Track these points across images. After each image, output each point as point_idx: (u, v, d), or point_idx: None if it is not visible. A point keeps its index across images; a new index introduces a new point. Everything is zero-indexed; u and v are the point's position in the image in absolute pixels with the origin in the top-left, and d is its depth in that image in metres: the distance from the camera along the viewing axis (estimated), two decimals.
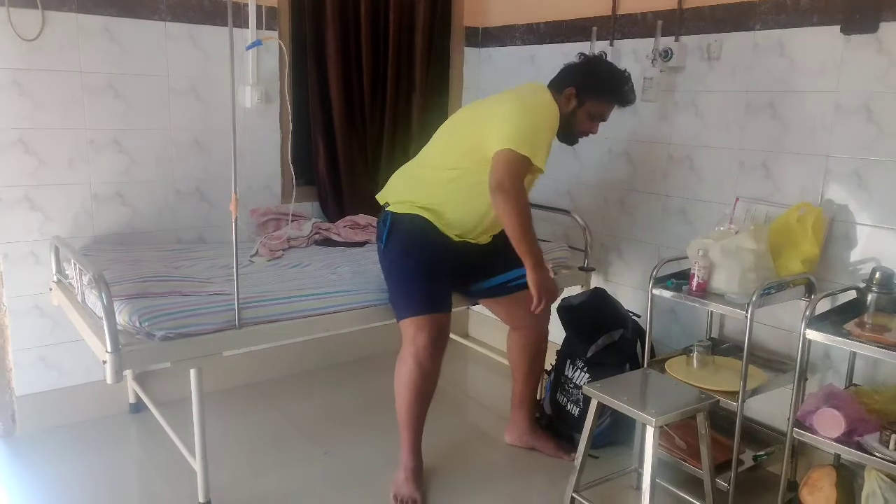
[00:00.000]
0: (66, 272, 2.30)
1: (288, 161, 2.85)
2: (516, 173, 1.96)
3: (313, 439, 2.50)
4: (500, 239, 2.19)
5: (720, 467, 2.04)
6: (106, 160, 2.50)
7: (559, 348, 2.58)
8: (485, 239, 2.23)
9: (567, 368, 2.47)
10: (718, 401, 1.93)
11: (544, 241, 2.80)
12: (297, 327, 2.09)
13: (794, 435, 1.83)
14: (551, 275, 2.15)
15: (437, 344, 2.09)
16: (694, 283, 2.08)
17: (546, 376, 2.65)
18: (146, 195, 2.60)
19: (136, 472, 2.33)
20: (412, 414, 2.13)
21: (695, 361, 2.15)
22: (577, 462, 2.02)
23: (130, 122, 2.52)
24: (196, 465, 2.00)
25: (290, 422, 2.63)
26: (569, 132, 2.16)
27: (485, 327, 3.41)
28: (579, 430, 2.15)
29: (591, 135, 2.20)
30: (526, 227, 2.01)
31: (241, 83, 2.72)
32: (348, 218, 2.90)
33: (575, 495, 2.02)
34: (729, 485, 2.00)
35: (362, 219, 2.88)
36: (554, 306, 2.57)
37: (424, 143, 2.27)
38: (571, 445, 2.33)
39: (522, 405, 2.43)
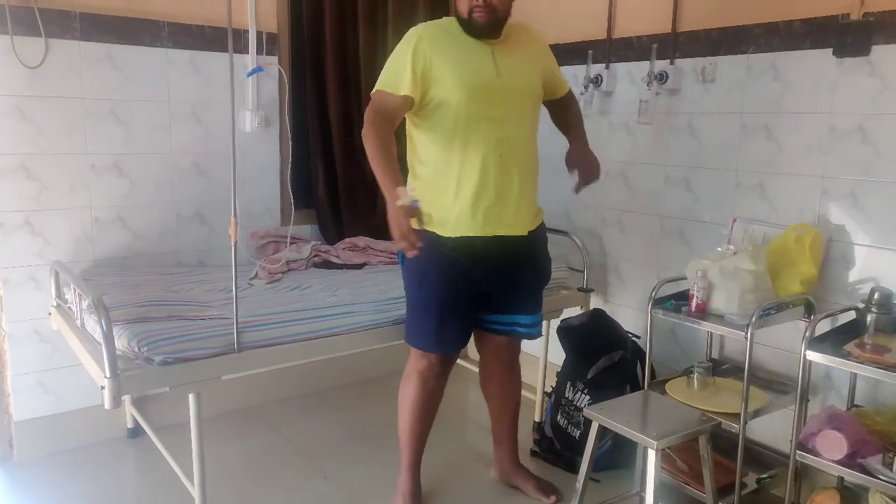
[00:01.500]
0: (66, 297, 2.30)
1: (287, 184, 2.87)
2: (369, 109, 1.90)
3: (313, 464, 2.48)
4: (531, 265, 2.07)
5: (723, 490, 2.02)
6: (107, 185, 2.51)
7: (559, 370, 2.57)
8: (517, 229, 1.98)
9: (567, 390, 2.46)
10: (720, 423, 1.92)
11: None
12: (297, 350, 2.09)
13: (797, 457, 1.82)
14: (408, 198, 1.78)
15: (445, 367, 2.10)
16: (693, 304, 2.09)
17: (546, 398, 2.64)
18: (146, 219, 2.61)
19: (134, 498, 2.31)
20: (413, 433, 2.12)
21: (695, 383, 2.14)
22: (579, 485, 2.00)
23: (131, 147, 2.55)
24: (194, 491, 1.98)
25: (289, 446, 2.61)
26: (461, 20, 1.90)
27: None
28: (580, 452, 2.14)
29: (477, 9, 1.84)
30: (375, 159, 1.85)
31: (241, 108, 2.75)
32: (347, 240, 2.91)
33: None
34: None
35: (361, 241, 2.89)
36: (554, 327, 2.58)
37: None
38: (552, 487, 2.29)
39: (501, 442, 2.35)
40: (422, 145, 1.98)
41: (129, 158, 2.55)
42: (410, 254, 1.78)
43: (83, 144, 2.45)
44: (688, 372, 2.21)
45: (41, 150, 2.37)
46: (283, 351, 2.07)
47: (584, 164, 2.11)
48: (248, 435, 2.69)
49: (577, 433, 2.40)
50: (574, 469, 2.35)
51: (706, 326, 2.07)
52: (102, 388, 1.79)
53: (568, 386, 2.46)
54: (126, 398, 2.56)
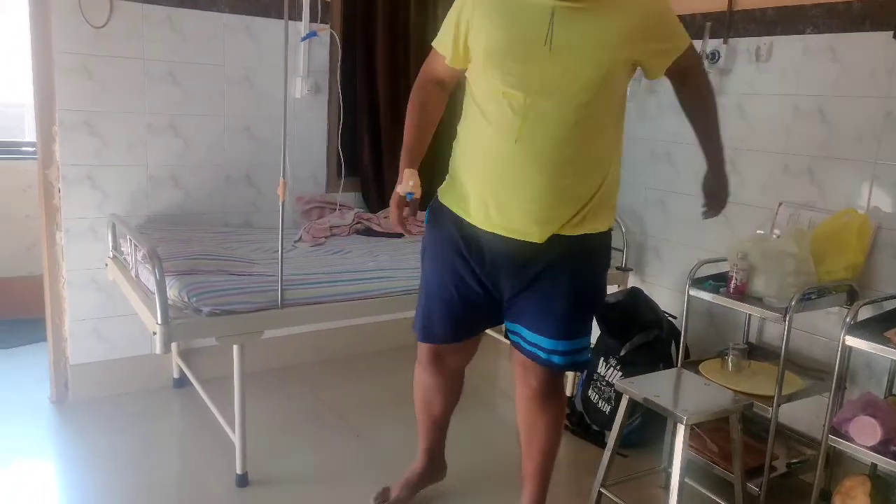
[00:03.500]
0: (122, 249, 2.41)
1: (335, 151, 2.94)
2: (423, 66, 1.76)
3: (346, 423, 2.57)
4: (557, 279, 1.61)
5: (751, 472, 2.03)
6: (162, 144, 2.61)
7: (593, 346, 2.59)
8: (531, 235, 1.58)
9: (600, 366, 2.48)
10: (752, 403, 1.92)
11: None
12: (336, 310, 2.16)
13: (829, 442, 1.81)
14: (404, 189, 1.68)
15: (437, 365, 1.89)
16: (732, 286, 2.08)
17: (578, 374, 2.66)
18: (198, 179, 2.71)
19: (178, 443, 2.43)
20: (419, 419, 2.04)
21: (729, 364, 2.14)
22: (606, 457, 2.03)
23: (186, 109, 2.64)
24: (235, 438, 2.08)
25: (325, 405, 2.70)
26: None
27: None
28: (609, 427, 2.16)
29: None
30: (406, 126, 1.73)
31: (292, 74, 2.81)
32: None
33: (602, 490, 2.03)
34: (760, 490, 1.99)
35: None
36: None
37: None
38: None
39: (523, 484, 1.91)
40: (463, 111, 1.72)
41: (184, 119, 2.64)
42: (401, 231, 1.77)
43: (142, 104, 2.55)
44: (723, 353, 2.20)
45: (104, 107, 2.47)
46: (323, 310, 2.14)
47: (712, 194, 1.80)
48: (285, 392, 2.79)
49: (607, 408, 2.42)
50: (603, 444, 2.37)
51: (744, 308, 2.06)
52: (154, 333, 1.89)
53: (601, 362, 2.48)
54: (173, 350, 2.68)
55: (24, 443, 2.32)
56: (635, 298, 2.48)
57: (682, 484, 1.80)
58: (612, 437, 2.02)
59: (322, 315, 2.16)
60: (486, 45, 1.54)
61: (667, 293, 2.71)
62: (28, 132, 3.63)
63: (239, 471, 2.11)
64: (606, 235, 1.68)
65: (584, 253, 1.63)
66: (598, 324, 2.52)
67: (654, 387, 1.93)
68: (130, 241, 2.21)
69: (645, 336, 2.38)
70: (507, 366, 3.18)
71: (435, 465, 2.10)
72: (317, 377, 2.94)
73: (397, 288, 2.24)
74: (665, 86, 2.67)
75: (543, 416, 1.81)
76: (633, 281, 2.79)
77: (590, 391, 2.51)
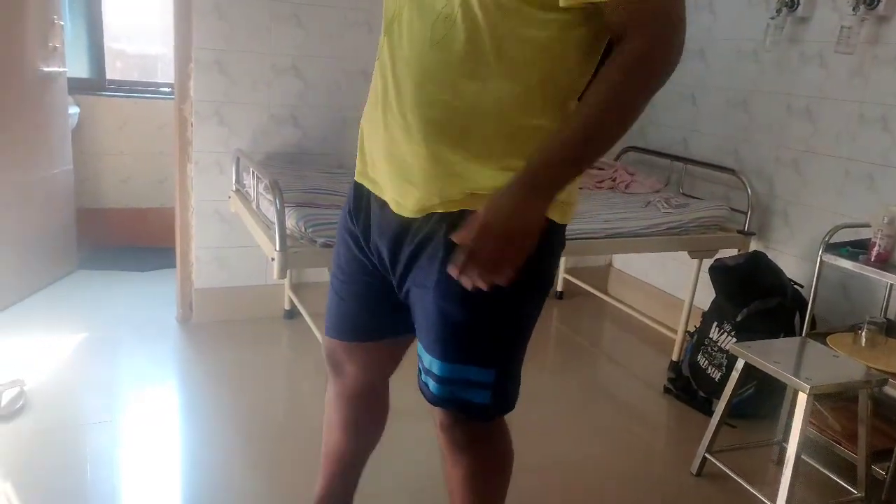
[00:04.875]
0: (244, 182, 2.54)
1: None
2: None
3: None
4: (426, 270, 1.09)
5: (877, 455, 1.86)
6: (284, 84, 2.70)
7: (705, 311, 2.46)
8: (384, 192, 1.14)
9: (713, 331, 2.35)
10: (887, 380, 1.75)
11: (698, 198, 2.69)
12: None
13: None
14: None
15: (332, 366, 1.37)
16: (874, 253, 1.89)
17: (687, 338, 2.54)
18: (315, 119, 2.79)
19: (286, 368, 2.57)
20: (323, 445, 1.48)
21: (863, 339, 1.96)
22: (713, 423, 1.93)
23: (308, 50, 2.70)
24: None
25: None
26: None
27: (625, 286, 3.33)
28: (718, 394, 2.06)
29: None
30: None
31: None
32: None
33: (708, 455, 1.95)
34: (887, 474, 1.83)
35: None
36: (706, 267, 2.44)
37: None
38: None
39: None
40: None
41: (305, 60, 2.71)
42: None
43: (267, 44, 2.64)
44: (856, 327, 2.02)
45: (232, 47, 2.58)
46: None
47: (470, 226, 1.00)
48: None
49: (717, 375, 2.30)
50: (709, 412, 2.27)
51: (886, 278, 1.87)
52: (272, 259, 1.98)
53: (714, 326, 2.35)
54: (285, 283, 2.82)
55: (152, 355, 2.53)
56: (756, 263, 2.31)
57: (798, 459, 1.69)
58: (721, 402, 1.93)
59: None
60: None
61: (793, 261, 2.51)
62: (161, 76, 3.88)
63: None
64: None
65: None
66: (715, 287, 2.38)
67: (775, 353, 1.81)
68: (253, 173, 2.31)
69: (765, 303, 2.22)
70: (610, 329, 3.10)
71: None
72: None
73: None
74: (810, 33, 2.45)
75: (452, 474, 1.26)
76: (755, 246, 2.60)
77: (699, 356, 2.39)
